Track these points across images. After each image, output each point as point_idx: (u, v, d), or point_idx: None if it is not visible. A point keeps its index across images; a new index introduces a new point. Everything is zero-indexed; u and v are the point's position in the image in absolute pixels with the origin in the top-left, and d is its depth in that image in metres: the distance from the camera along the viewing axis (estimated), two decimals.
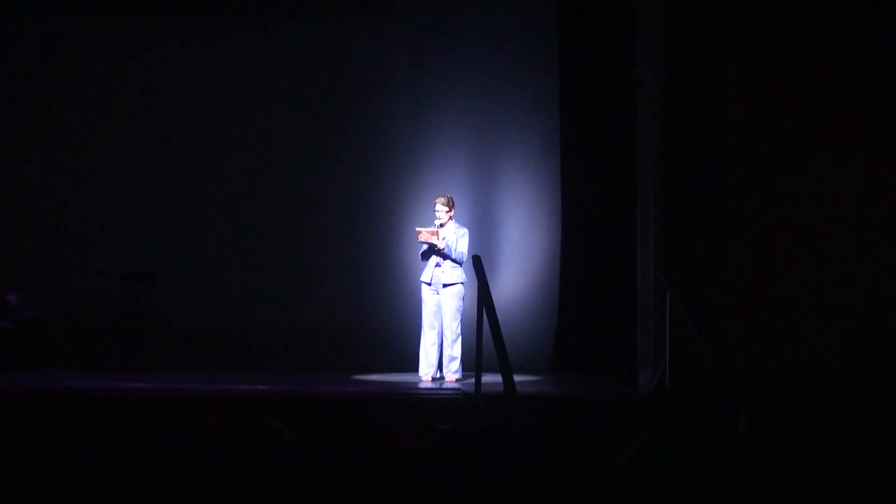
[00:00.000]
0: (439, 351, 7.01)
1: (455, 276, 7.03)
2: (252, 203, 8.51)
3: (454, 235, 7.03)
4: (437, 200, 7.07)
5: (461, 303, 7.03)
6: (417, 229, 6.89)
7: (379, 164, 8.56)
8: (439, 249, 6.90)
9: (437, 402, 5.72)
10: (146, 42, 8.49)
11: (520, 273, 8.48)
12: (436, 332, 7.02)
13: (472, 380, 5.61)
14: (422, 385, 6.75)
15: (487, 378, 5.69)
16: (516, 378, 5.07)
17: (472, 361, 5.68)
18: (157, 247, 8.34)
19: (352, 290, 8.43)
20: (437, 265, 6.99)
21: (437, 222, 7.05)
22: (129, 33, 8.49)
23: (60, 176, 8.45)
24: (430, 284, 7.01)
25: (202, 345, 8.07)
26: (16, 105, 8.40)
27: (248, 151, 8.48)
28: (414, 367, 7.14)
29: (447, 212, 7.07)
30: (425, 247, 6.97)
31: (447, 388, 6.50)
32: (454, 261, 6.99)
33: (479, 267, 5.69)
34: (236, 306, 8.32)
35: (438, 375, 7.02)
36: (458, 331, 6.97)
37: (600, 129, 7.87)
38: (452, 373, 6.93)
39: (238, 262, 8.42)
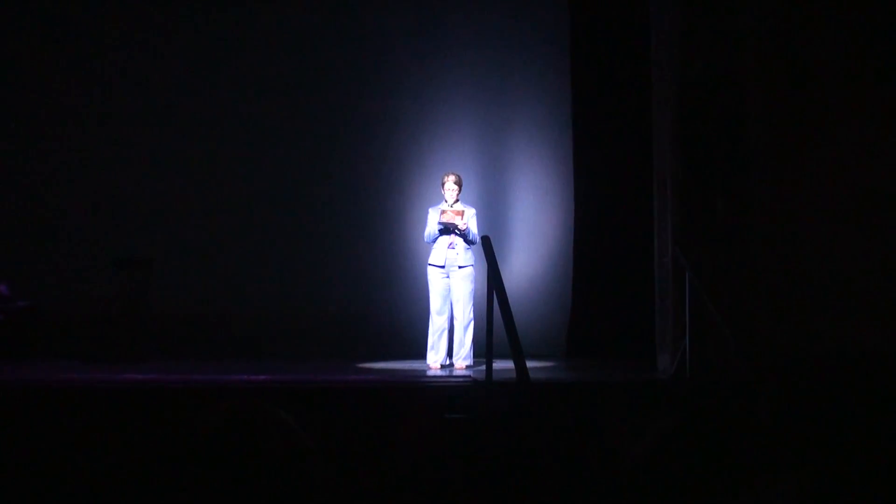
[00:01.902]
0: (448, 337, 7.02)
1: (468, 257, 7.00)
2: (252, 185, 8.54)
3: (465, 216, 7.01)
4: (448, 178, 7.04)
5: (473, 286, 6.99)
6: (442, 209, 6.89)
7: (382, 142, 8.59)
8: (460, 230, 6.88)
9: (446, 390, 5.57)
10: (140, 19, 8.49)
11: (531, 254, 8.54)
12: (444, 317, 7.01)
13: (483, 367, 5.63)
14: (430, 373, 6.73)
15: (499, 365, 5.70)
16: (529, 364, 5.05)
17: (483, 347, 5.69)
18: (154, 232, 8.35)
19: (355, 275, 8.48)
20: (451, 246, 6.97)
21: (448, 201, 7.01)
22: (120, 10, 8.51)
23: (51, 160, 8.48)
24: (442, 267, 6.99)
25: (200, 333, 8.09)
26: (5, 90, 8.43)
27: (248, 131, 8.50)
28: (421, 355, 7.17)
29: (458, 191, 7.05)
30: (440, 227, 6.95)
31: (457, 376, 6.46)
32: (469, 242, 6.99)
33: (488, 248, 5.66)
34: (236, 293, 8.38)
35: (448, 362, 7.01)
36: (471, 315, 6.94)
37: (615, 101, 7.91)
38: (462, 359, 6.92)
39: (238, 247, 8.47)
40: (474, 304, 6.97)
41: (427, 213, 7.05)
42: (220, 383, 5.78)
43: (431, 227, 6.99)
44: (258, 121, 8.48)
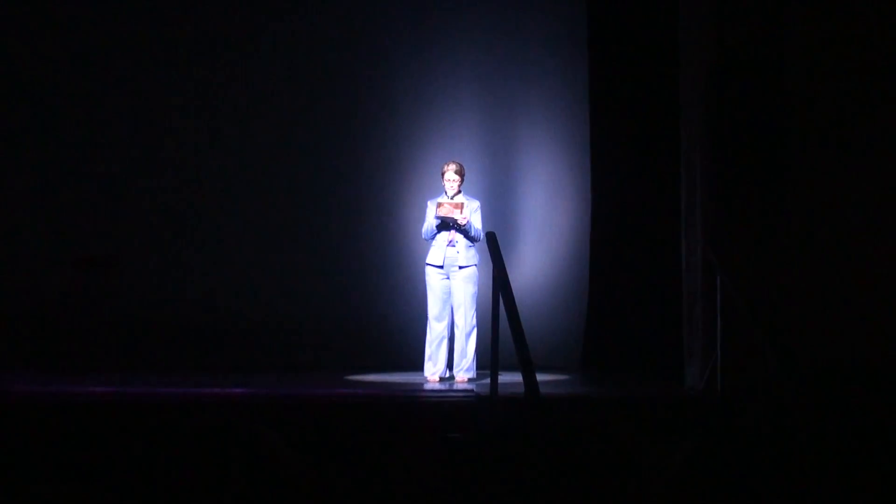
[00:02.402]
0: (448, 346, 7.04)
1: (470, 256, 7.02)
2: (230, 176, 8.57)
3: (467, 209, 7.02)
4: (448, 167, 7.05)
5: (476, 288, 7.03)
6: (439, 201, 6.89)
7: (375, 128, 8.63)
8: (460, 226, 6.88)
9: (445, 406, 5.66)
10: (111, 12, 8.51)
11: (542, 253, 8.59)
12: (444, 323, 7.02)
13: (488, 380, 5.65)
14: (428, 386, 6.76)
15: (505, 378, 5.76)
16: (540, 378, 5.04)
17: (487, 358, 5.71)
18: (120, 228, 8.39)
19: (344, 275, 8.53)
20: (451, 244, 6.97)
21: (447, 193, 7.00)
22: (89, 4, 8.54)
23: (7, 147, 8.48)
24: (440, 267, 7.01)
25: (170, 341, 8.16)
26: None
27: (229, 119, 8.54)
28: (418, 366, 7.17)
29: (459, 182, 7.06)
30: (437, 222, 6.95)
31: (458, 390, 6.51)
32: (472, 239, 6.99)
33: (493, 245, 5.67)
34: (210, 296, 8.42)
35: (448, 375, 7.04)
36: (474, 321, 6.98)
37: (637, 83, 7.89)
38: (464, 371, 6.95)
39: (213, 245, 8.51)
40: (477, 310, 7.00)
41: (426, 206, 7.05)
42: (191, 397, 5.82)
43: (429, 221, 7.00)
44: (241, 108, 8.51)
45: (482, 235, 6.86)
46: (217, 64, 8.47)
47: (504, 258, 5.61)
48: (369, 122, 8.58)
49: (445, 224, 6.92)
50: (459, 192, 7.08)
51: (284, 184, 8.51)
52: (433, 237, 7.01)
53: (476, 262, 7.03)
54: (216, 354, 8.06)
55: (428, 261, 7.05)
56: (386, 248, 8.54)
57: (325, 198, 8.54)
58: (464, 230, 6.91)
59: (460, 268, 6.95)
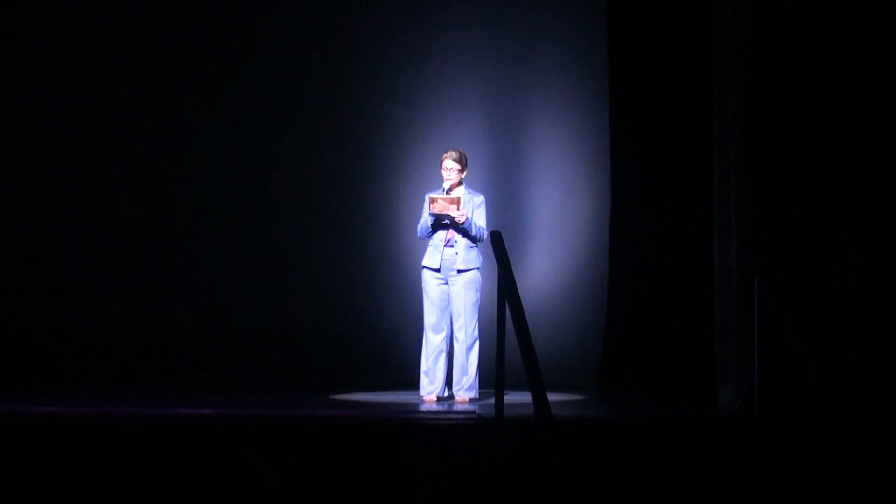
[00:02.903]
0: (447, 361, 7.03)
1: (471, 259, 6.99)
2: (198, 174, 8.58)
3: (469, 205, 6.99)
4: (446, 155, 7.04)
5: (478, 295, 7.01)
6: (430, 196, 6.87)
7: (366, 115, 8.65)
8: (457, 224, 6.85)
9: (444, 429, 5.62)
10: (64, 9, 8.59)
11: (555, 256, 8.60)
12: (443, 335, 7.00)
13: (492, 400, 5.63)
14: (424, 407, 6.76)
15: (512, 398, 5.76)
16: (552, 398, 5.02)
17: (491, 375, 5.70)
18: (69, 227, 8.41)
19: (328, 281, 8.54)
20: (449, 244, 6.96)
21: (446, 185, 6.99)
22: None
23: None
24: (437, 271, 6.98)
25: (130, 355, 8.22)
26: None
27: (194, 108, 8.56)
28: (412, 384, 7.18)
29: (458, 171, 7.01)
30: (431, 220, 6.93)
31: (458, 412, 6.50)
32: (473, 239, 6.96)
33: (499, 246, 5.63)
34: (175, 304, 8.43)
35: (446, 394, 7.04)
36: (476, 332, 6.97)
37: (663, 63, 7.89)
38: (465, 390, 6.95)
39: (179, 245, 8.51)
40: (480, 320, 6.98)
41: (424, 200, 7.05)
42: (151, 418, 5.75)
43: (425, 217, 6.99)
44: (212, 92, 8.56)
45: (485, 235, 6.86)
46: (205, 62, 8.57)
47: (511, 261, 5.60)
48: (361, 111, 8.63)
49: (442, 222, 6.90)
50: (461, 184, 7.05)
51: (266, 186, 8.59)
52: (429, 235, 6.98)
53: (478, 266, 7.00)
54: (186, 370, 8.14)
55: (424, 263, 7.03)
56: (377, 248, 8.57)
57: (312, 197, 8.60)
58: (463, 229, 6.87)
59: (459, 272, 6.93)
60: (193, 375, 8.06)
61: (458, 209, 6.80)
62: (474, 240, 6.95)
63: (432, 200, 6.82)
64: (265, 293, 8.48)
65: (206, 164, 8.54)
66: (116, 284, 8.37)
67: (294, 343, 8.33)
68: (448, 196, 6.87)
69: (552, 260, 8.57)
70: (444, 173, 7.00)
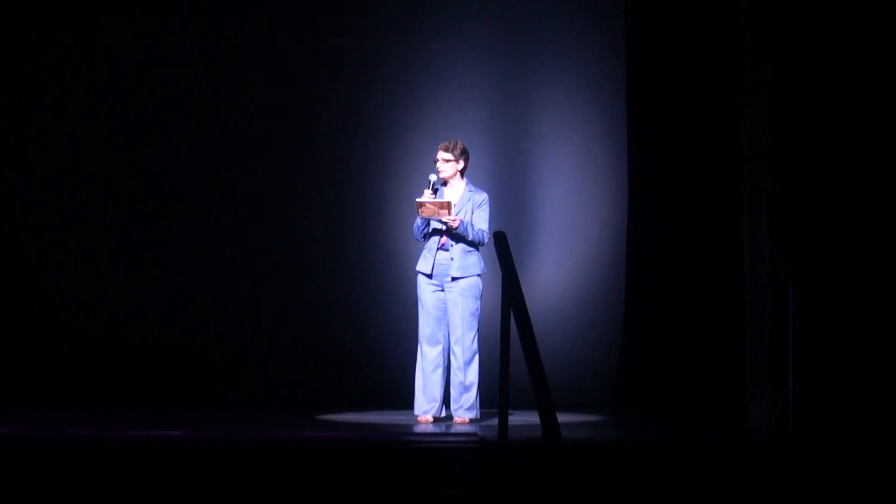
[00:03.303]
0: (444, 377, 7.00)
1: (469, 264, 6.95)
2: (175, 173, 8.58)
3: (468, 204, 6.96)
4: (440, 148, 7.01)
5: (478, 304, 6.97)
6: (418, 200, 6.83)
7: (361, 105, 8.64)
8: (451, 229, 6.85)
9: (442, 453, 5.57)
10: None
11: (566, 262, 8.57)
12: (439, 348, 6.97)
13: (495, 420, 5.59)
14: (420, 429, 6.76)
15: (517, 419, 5.73)
16: (562, 418, 5.00)
17: (494, 393, 5.63)
18: (33, 230, 8.45)
19: (312, 289, 8.53)
20: (444, 247, 6.94)
21: (432, 178, 6.94)
22: None
23: None
24: (430, 277, 6.94)
25: (99, 371, 8.21)
26: None
27: (172, 101, 8.60)
28: (407, 403, 7.16)
29: (454, 164, 6.97)
30: (423, 225, 6.92)
31: (457, 433, 6.51)
32: (471, 242, 6.93)
33: (503, 249, 5.59)
34: (149, 316, 8.44)
35: (444, 414, 7.03)
36: (475, 345, 6.93)
37: (685, 41, 7.91)
38: (465, 410, 6.94)
39: (153, 254, 8.53)
40: (481, 331, 6.95)
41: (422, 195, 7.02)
42: (114, 441, 5.71)
43: (419, 219, 6.98)
44: (179, 98, 8.60)
45: (486, 237, 6.85)
46: (183, 63, 8.63)
47: (517, 266, 5.57)
48: (355, 106, 8.66)
49: (436, 227, 6.90)
50: (458, 177, 7.01)
51: (245, 183, 8.60)
52: (423, 236, 6.98)
53: (478, 272, 6.97)
54: (158, 388, 8.18)
55: (417, 268, 7.03)
56: (367, 256, 8.58)
57: (297, 195, 8.62)
58: (456, 235, 6.86)
59: (455, 279, 6.91)
60: (166, 394, 8.10)
61: (448, 213, 6.75)
62: (473, 243, 6.92)
63: (419, 205, 6.78)
64: (244, 305, 8.50)
65: (182, 171, 8.57)
66: (85, 295, 8.39)
67: (276, 358, 8.36)
68: (437, 200, 6.80)
69: (563, 265, 8.56)
70: (437, 166, 6.98)
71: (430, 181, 6.90)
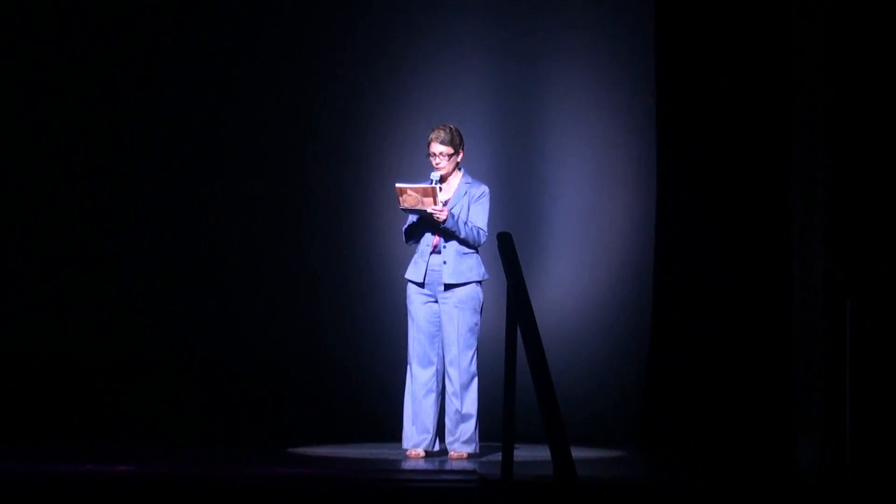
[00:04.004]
0: (437, 404, 6.96)
1: (465, 270, 6.90)
2: (119, 160, 8.67)
3: (464, 198, 6.92)
4: (433, 137, 6.95)
5: (477, 317, 6.92)
6: (398, 185, 6.78)
7: (346, 93, 8.72)
8: (439, 222, 6.76)
9: (435, 493, 5.54)
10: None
11: (582, 268, 8.60)
12: (432, 370, 6.95)
13: (497, 455, 5.63)
14: (409, 465, 6.74)
15: (524, 453, 5.80)
16: (578, 454, 5.00)
17: (495, 423, 5.68)
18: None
19: (283, 301, 8.60)
20: (436, 250, 6.89)
21: (435, 176, 6.92)
22: None
23: None
24: (421, 285, 6.90)
25: (39, 396, 8.31)
26: None
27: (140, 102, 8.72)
28: (394, 435, 7.14)
29: (450, 155, 6.92)
30: (413, 218, 6.89)
31: (454, 470, 6.47)
32: (467, 243, 6.88)
33: (508, 253, 5.58)
34: (81, 326, 8.50)
35: (437, 448, 7.01)
36: (473, 367, 6.89)
37: (725, 27, 7.94)
38: (462, 443, 6.91)
39: (102, 266, 8.59)
40: (479, 350, 6.90)
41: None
42: (54, 476, 5.75)
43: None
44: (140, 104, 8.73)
45: (484, 236, 6.85)
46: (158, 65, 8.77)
47: (526, 273, 5.54)
48: (336, 87, 8.73)
49: (424, 219, 6.85)
50: (456, 169, 6.97)
51: (210, 179, 8.70)
52: (415, 240, 6.96)
53: (477, 278, 6.92)
54: (107, 415, 8.24)
55: (407, 276, 7.01)
56: (346, 261, 8.63)
57: (269, 194, 8.69)
58: (446, 231, 6.81)
59: (448, 287, 6.84)
60: (116, 421, 8.16)
61: (434, 202, 6.70)
62: (468, 243, 6.86)
63: (400, 192, 6.72)
64: (209, 321, 8.56)
65: (135, 179, 8.69)
66: (29, 309, 8.51)
67: (237, 382, 8.41)
68: (420, 185, 6.76)
69: (578, 272, 8.58)
70: (433, 160, 6.91)
71: (431, 181, 6.83)
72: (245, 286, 8.58)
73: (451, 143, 6.88)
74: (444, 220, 6.73)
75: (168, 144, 8.66)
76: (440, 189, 6.81)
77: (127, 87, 8.65)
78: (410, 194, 6.72)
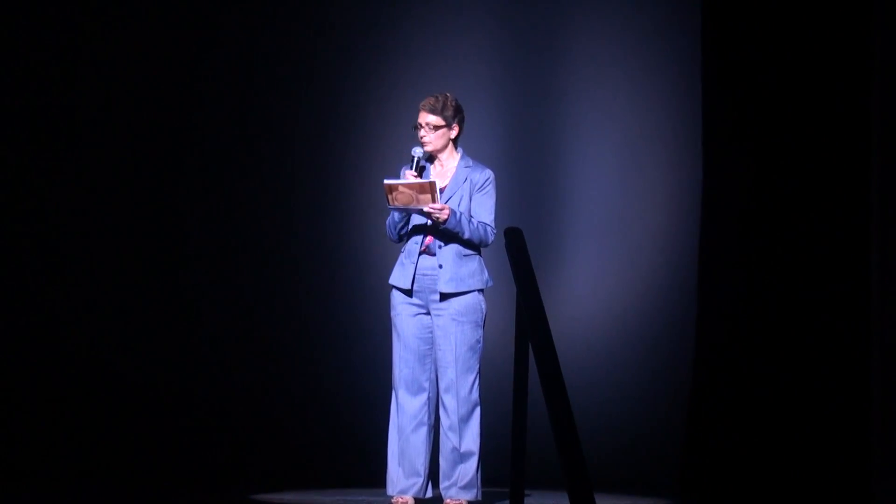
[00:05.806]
0: (430, 440, 6.82)
1: (465, 275, 6.70)
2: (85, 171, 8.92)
3: (465, 185, 6.70)
4: (423, 102, 6.74)
5: (480, 333, 6.74)
6: (387, 182, 6.55)
7: (330, 81, 8.92)
8: (437, 221, 6.54)
9: None
10: None
11: (610, 274, 8.68)
12: (423, 398, 6.79)
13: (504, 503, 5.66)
14: None
15: (537, 500, 6.31)
16: (602, 502, 4.71)
17: (502, 464, 5.51)
18: None
19: (253, 319, 8.81)
20: (428, 251, 6.69)
21: (417, 152, 6.69)
22: None
23: None
24: (409, 293, 6.67)
25: None
26: None
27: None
28: (377, 478, 7.04)
29: (445, 130, 6.67)
30: (398, 217, 6.72)
31: None
32: (468, 243, 6.68)
33: (519, 254, 5.36)
34: (15, 348, 8.69)
35: (430, 494, 6.88)
36: (475, 395, 6.73)
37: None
38: (460, 489, 6.74)
39: (33, 273, 8.82)
40: (481, 373, 6.74)
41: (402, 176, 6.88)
42: None
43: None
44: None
45: (492, 234, 6.62)
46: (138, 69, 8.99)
47: (539, 279, 5.25)
48: (339, 89, 8.91)
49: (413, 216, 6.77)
50: (455, 150, 6.74)
51: (173, 183, 8.92)
52: (398, 235, 6.77)
53: (479, 286, 6.72)
54: (48, 453, 8.41)
55: (391, 281, 6.80)
56: (324, 268, 8.80)
57: (237, 195, 8.90)
58: (443, 230, 6.61)
59: (444, 297, 6.62)
60: (55, 459, 8.35)
61: (433, 200, 6.47)
62: (469, 243, 6.66)
63: (390, 189, 6.48)
64: (163, 349, 8.71)
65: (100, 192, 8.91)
66: None
67: (199, 419, 8.57)
68: (415, 181, 6.52)
69: (604, 279, 8.68)
70: (421, 135, 6.70)
71: (413, 158, 6.60)
72: (208, 310, 8.78)
73: (440, 112, 6.62)
74: (445, 221, 6.47)
75: (132, 147, 8.88)
76: (429, 168, 6.65)
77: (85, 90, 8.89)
78: (402, 191, 6.46)
